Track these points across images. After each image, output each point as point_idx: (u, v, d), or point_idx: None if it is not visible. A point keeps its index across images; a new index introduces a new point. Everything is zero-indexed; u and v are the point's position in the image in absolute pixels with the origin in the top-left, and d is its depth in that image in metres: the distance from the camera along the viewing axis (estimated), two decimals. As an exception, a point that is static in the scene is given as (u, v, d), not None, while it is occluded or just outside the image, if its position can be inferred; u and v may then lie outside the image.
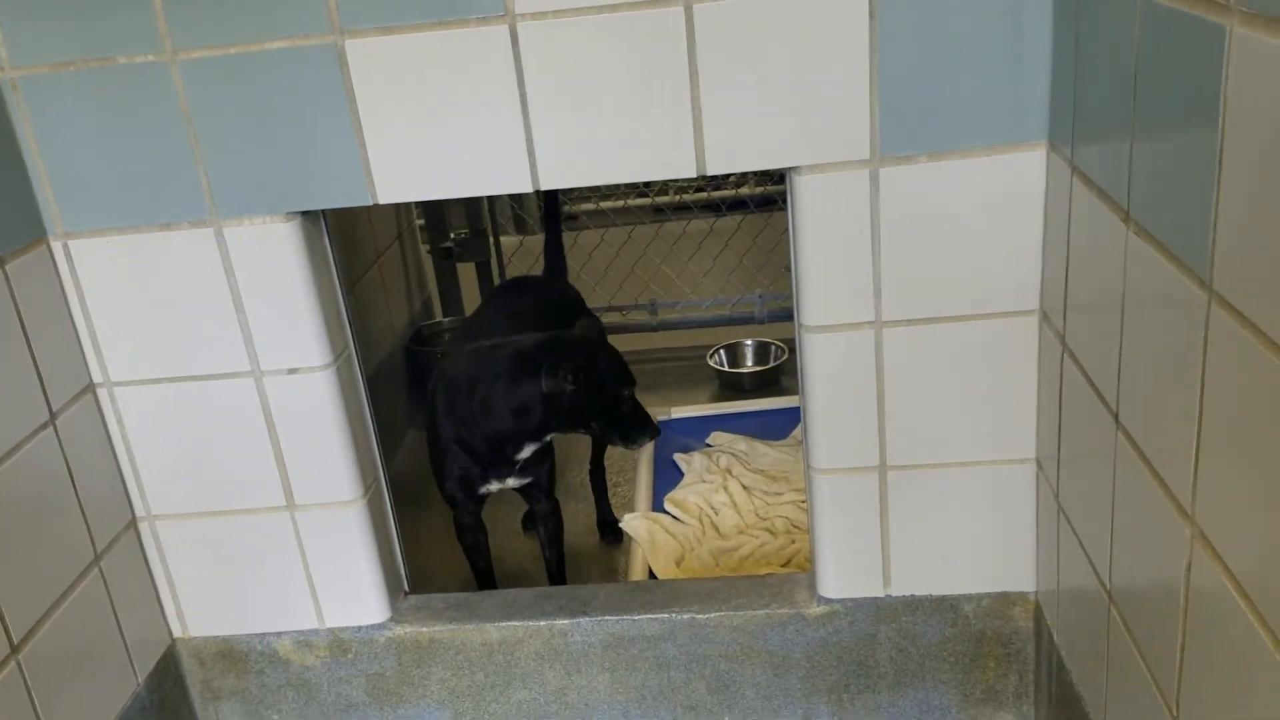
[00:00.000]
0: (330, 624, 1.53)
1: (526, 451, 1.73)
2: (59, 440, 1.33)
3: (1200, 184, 0.80)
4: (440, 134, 1.25)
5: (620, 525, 2.14)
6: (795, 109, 1.21)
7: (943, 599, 1.45)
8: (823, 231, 1.27)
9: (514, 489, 1.82)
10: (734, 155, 1.24)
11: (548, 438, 1.74)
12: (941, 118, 1.20)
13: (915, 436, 1.35)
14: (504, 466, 1.75)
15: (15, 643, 1.22)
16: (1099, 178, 1.04)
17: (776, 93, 1.20)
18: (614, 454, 2.29)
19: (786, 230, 1.35)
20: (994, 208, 1.23)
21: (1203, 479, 0.84)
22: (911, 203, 1.24)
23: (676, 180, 3.90)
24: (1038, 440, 1.33)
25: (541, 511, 1.87)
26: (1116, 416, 1.03)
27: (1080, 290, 1.13)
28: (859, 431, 1.36)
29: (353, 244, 2.40)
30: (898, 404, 1.34)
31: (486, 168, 1.26)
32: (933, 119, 1.20)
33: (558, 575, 1.89)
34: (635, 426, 1.75)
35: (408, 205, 2.81)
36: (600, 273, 2.93)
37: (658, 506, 2.19)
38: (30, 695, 1.24)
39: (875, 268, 1.27)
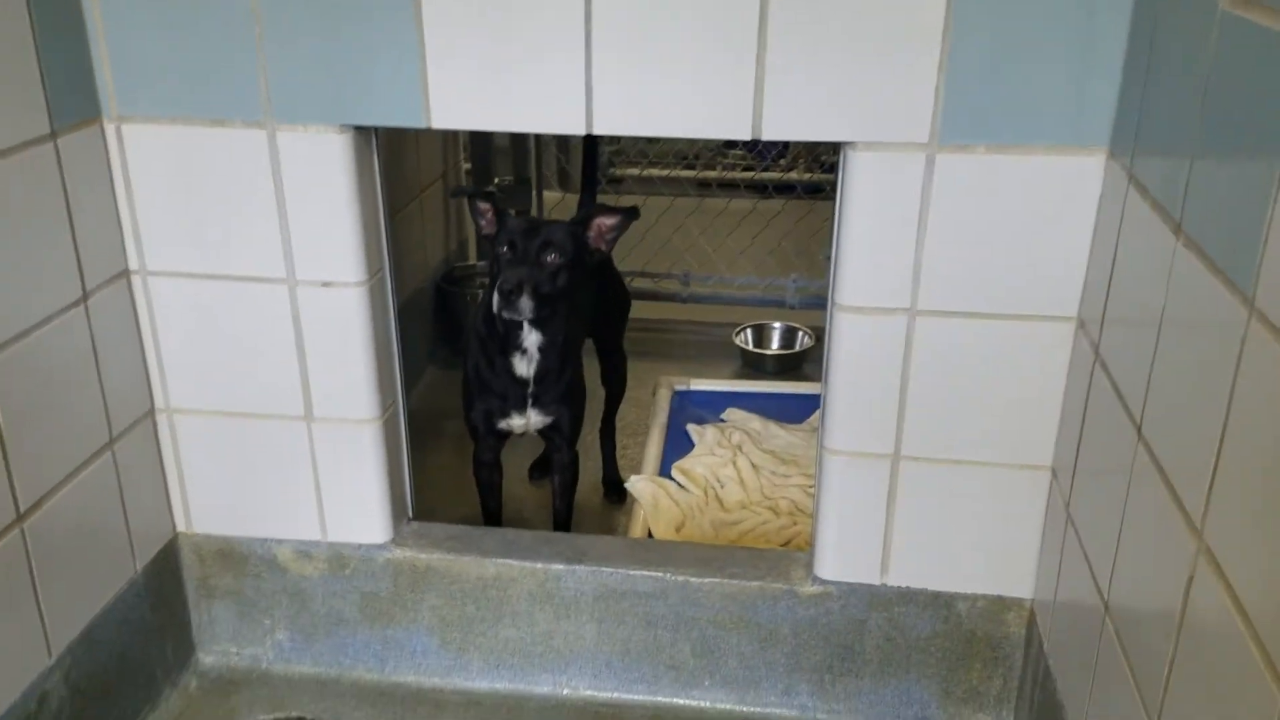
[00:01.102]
0: (332, 538, 1.55)
1: (525, 363, 1.72)
2: (89, 321, 1.34)
3: (1256, 201, 0.79)
4: (501, 64, 1.25)
5: (625, 486, 2.15)
6: (860, 83, 1.20)
7: (938, 595, 1.45)
8: (870, 211, 1.26)
9: (537, 431, 1.82)
10: (791, 123, 1.23)
11: (537, 340, 1.71)
12: (1006, 111, 1.19)
13: (934, 429, 1.35)
14: (517, 390, 1.75)
15: (21, 511, 1.24)
16: (1155, 188, 1.03)
17: (843, 65, 1.20)
18: (626, 416, 2.30)
19: (830, 219, 1.35)
20: (1046, 209, 1.23)
21: (1217, 496, 0.84)
22: (964, 193, 1.23)
23: (726, 156, 3.90)
24: (1056, 448, 1.33)
25: (559, 461, 1.88)
26: (1139, 429, 1.02)
27: (1121, 300, 1.12)
28: (878, 417, 1.36)
29: (398, 174, 2.41)
30: (921, 395, 1.34)
31: (542, 104, 1.26)
32: (996, 111, 1.19)
33: (564, 526, 1.91)
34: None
35: (455, 145, 2.82)
36: (638, 238, 2.93)
37: (665, 473, 2.20)
38: (30, 566, 1.26)
39: (918, 254, 1.27)
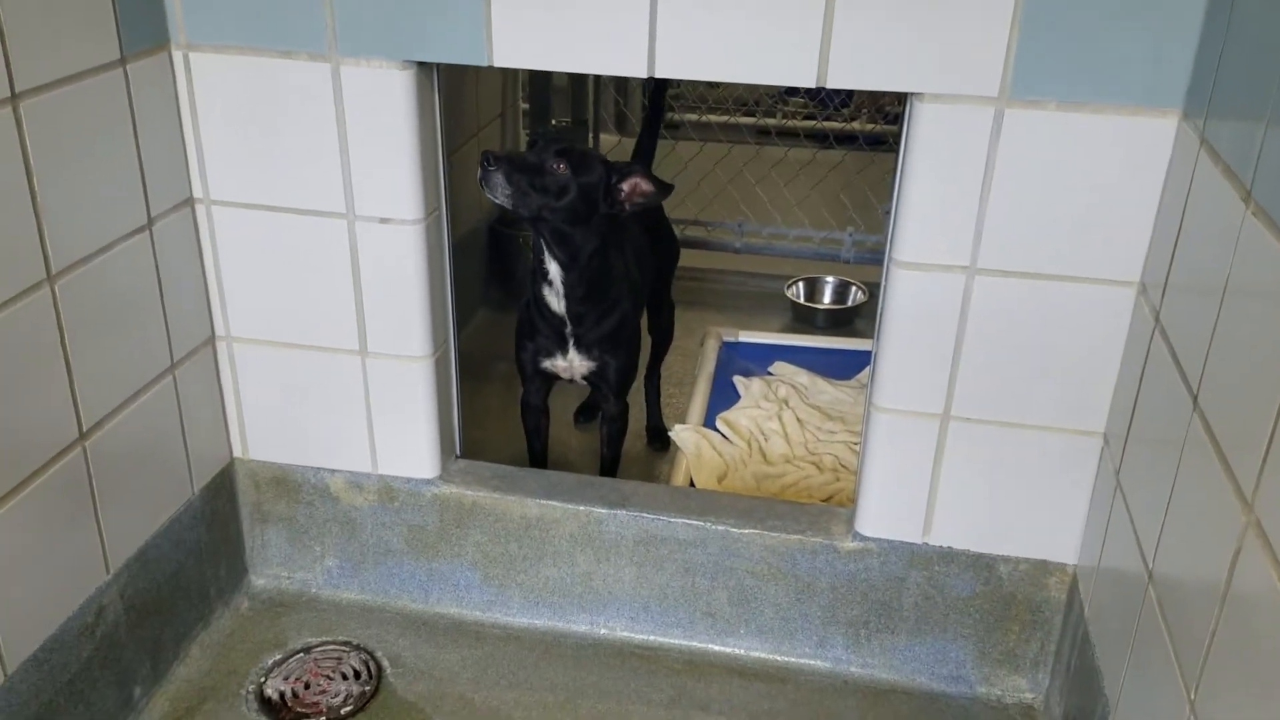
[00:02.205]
0: (382, 471, 1.58)
1: (554, 298, 1.70)
2: (153, 246, 1.37)
3: (1337, 169, 0.77)
4: (564, 3, 1.24)
5: (669, 434, 2.16)
6: (931, 33, 1.18)
7: (980, 556, 1.45)
8: (934, 165, 1.24)
9: (583, 379, 1.82)
10: (858, 71, 1.21)
11: (557, 271, 1.68)
12: (1079, 69, 1.16)
13: (986, 391, 1.34)
14: (556, 327, 1.74)
15: (84, 430, 1.28)
16: (1227, 153, 1.01)
17: (915, 12, 1.17)
18: (672, 366, 2.31)
19: (891, 172, 1.33)
20: (1115, 170, 1.20)
21: (1270, 470, 0.83)
22: (1032, 150, 1.21)
23: (787, 104, 3.85)
24: (1110, 415, 1.31)
25: (608, 411, 1.88)
26: (1196, 399, 1.01)
27: (1185, 267, 1.10)
28: (929, 376, 1.35)
29: (457, 113, 2.41)
30: (975, 355, 1.32)
31: (605, 45, 1.25)
32: (1069, 68, 1.16)
33: (610, 475, 1.92)
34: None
35: (514, 84, 2.81)
36: (692, 185, 2.91)
37: (709, 423, 2.20)
38: (91, 483, 1.30)
39: (980, 211, 1.25)
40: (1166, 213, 1.18)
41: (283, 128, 1.37)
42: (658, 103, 2.15)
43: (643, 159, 2.11)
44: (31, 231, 1.16)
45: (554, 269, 1.69)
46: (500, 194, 1.59)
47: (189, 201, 1.43)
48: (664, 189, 1.68)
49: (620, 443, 1.91)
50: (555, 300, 1.72)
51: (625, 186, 1.66)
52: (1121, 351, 1.28)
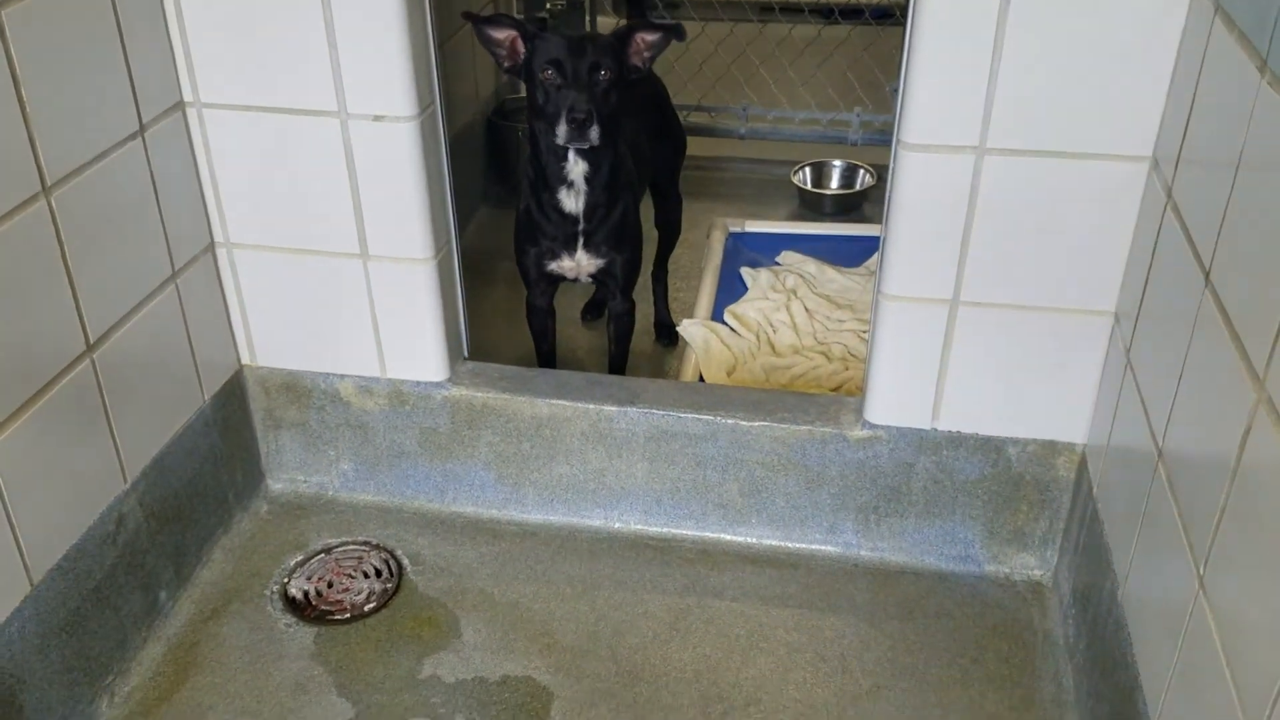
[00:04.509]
0: (391, 375, 1.58)
1: (572, 198, 1.68)
2: (147, 153, 1.35)
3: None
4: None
5: (677, 329, 2.16)
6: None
7: (988, 439, 1.45)
8: (942, 39, 1.20)
9: (590, 278, 1.80)
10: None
11: (583, 170, 1.65)
12: (1088, -65, 1.11)
13: (996, 274, 1.33)
14: (567, 228, 1.71)
15: (90, 342, 1.28)
16: (1242, 21, 0.97)
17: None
18: (679, 259, 2.29)
19: (899, 46, 1.29)
20: (1126, 38, 1.16)
21: (1285, 345, 0.82)
22: (1043, 19, 1.17)
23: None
24: (1120, 294, 1.30)
25: (614, 309, 1.87)
26: (1208, 275, 0.99)
27: (1198, 140, 1.08)
28: (938, 261, 1.33)
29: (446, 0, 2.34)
30: (985, 238, 1.31)
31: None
32: (1078, -65, 1.12)
33: (618, 371, 1.92)
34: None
35: (507, -29, 2.72)
36: (694, 68, 2.83)
37: (717, 317, 2.20)
38: (102, 394, 1.31)
39: (990, 87, 1.21)
40: (1179, 85, 1.15)
41: (269, 24, 1.34)
42: None
43: None
44: (24, 143, 1.14)
45: (580, 168, 1.65)
46: (595, 139, 1.57)
47: (179, 105, 1.40)
48: (669, 30, 1.62)
49: (628, 340, 1.91)
50: (573, 200, 1.68)
51: (630, 48, 1.61)
52: (1133, 229, 1.26)
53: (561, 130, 1.56)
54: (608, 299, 1.88)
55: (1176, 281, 1.09)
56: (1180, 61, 1.15)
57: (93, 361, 1.29)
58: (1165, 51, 1.16)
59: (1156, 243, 1.18)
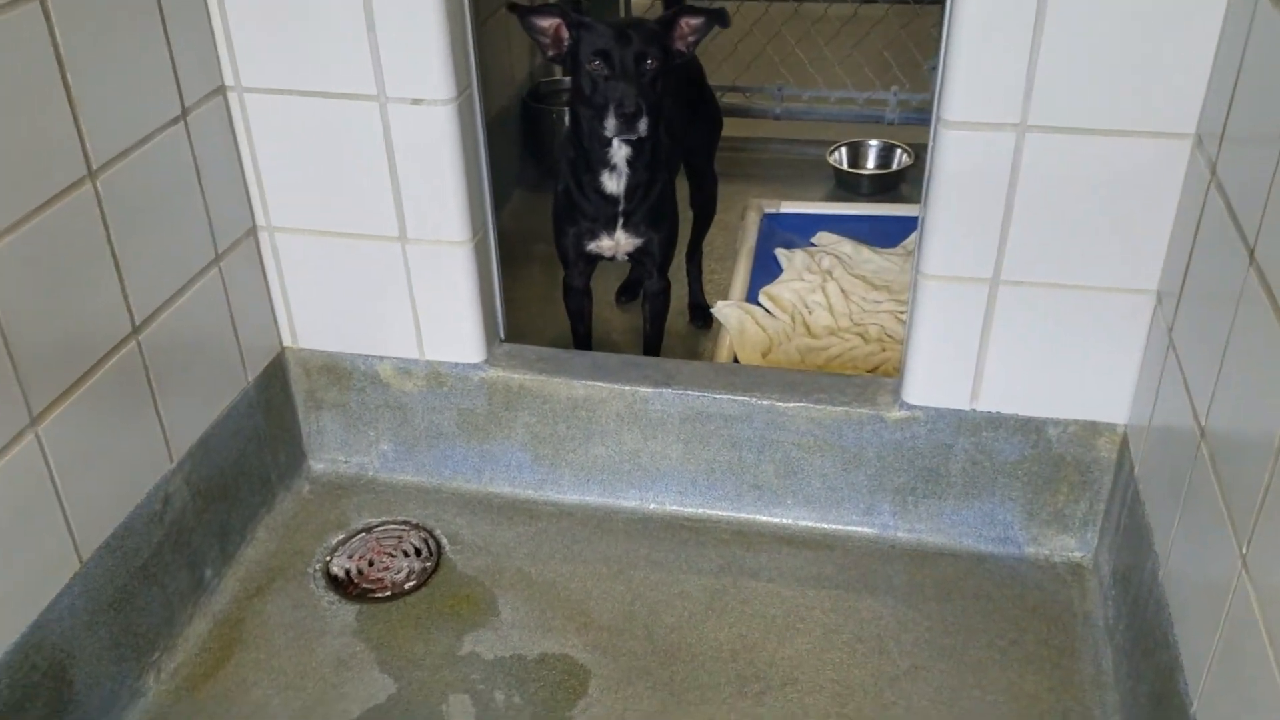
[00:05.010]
0: (429, 356, 1.59)
1: (614, 179, 1.69)
2: (189, 137, 1.36)
3: None
4: None
5: (711, 311, 2.16)
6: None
7: (1028, 420, 1.44)
8: (983, 14, 1.19)
9: (627, 256, 1.81)
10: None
11: (626, 154, 1.67)
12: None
13: (1037, 253, 1.31)
14: (608, 209, 1.72)
15: (136, 324, 1.30)
16: (1294, -7, 0.96)
17: None
18: (713, 240, 2.28)
19: (938, 24, 1.28)
20: (1171, 13, 1.14)
21: (1334, 323, 0.81)
22: (1082, -2, 1.16)
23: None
24: (1163, 272, 1.29)
25: (650, 288, 1.88)
26: (1252, 253, 0.98)
27: (1243, 116, 1.06)
28: (978, 240, 1.32)
29: (484, -13, 2.34)
30: (1026, 216, 1.29)
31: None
32: (1122, -93, 1.10)
33: (654, 353, 1.93)
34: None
35: (542, -45, 2.72)
36: (729, 48, 2.81)
37: (752, 298, 2.19)
38: (148, 375, 1.33)
39: (1031, 64, 1.20)
40: (1223, 61, 1.13)
41: (309, 8, 1.35)
42: None
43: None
44: (70, 127, 1.16)
45: (623, 153, 1.67)
46: (644, 131, 1.58)
47: (220, 90, 1.42)
48: (713, 15, 1.63)
49: (664, 319, 1.91)
50: (615, 182, 1.70)
51: (674, 33, 1.62)
52: (1175, 207, 1.25)
53: (610, 124, 1.58)
54: (644, 277, 1.89)
55: (1220, 260, 1.08)
56: (1224, 37, 1.14)
57: (139, 343, 1.31)
58: (1209, 27, 1.14)
59: (1199, 221, 1.16)
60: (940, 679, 1.36)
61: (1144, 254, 1.29)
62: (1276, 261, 0.93)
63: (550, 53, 1.64)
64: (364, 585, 1.52)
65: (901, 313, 2.08)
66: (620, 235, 1.76)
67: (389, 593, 1.51)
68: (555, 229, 1.80)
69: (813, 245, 2.37)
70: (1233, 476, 0.99)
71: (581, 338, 1.92)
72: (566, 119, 1.72)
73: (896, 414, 1.49)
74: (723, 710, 1.33)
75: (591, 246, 1.78)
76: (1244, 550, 0.94)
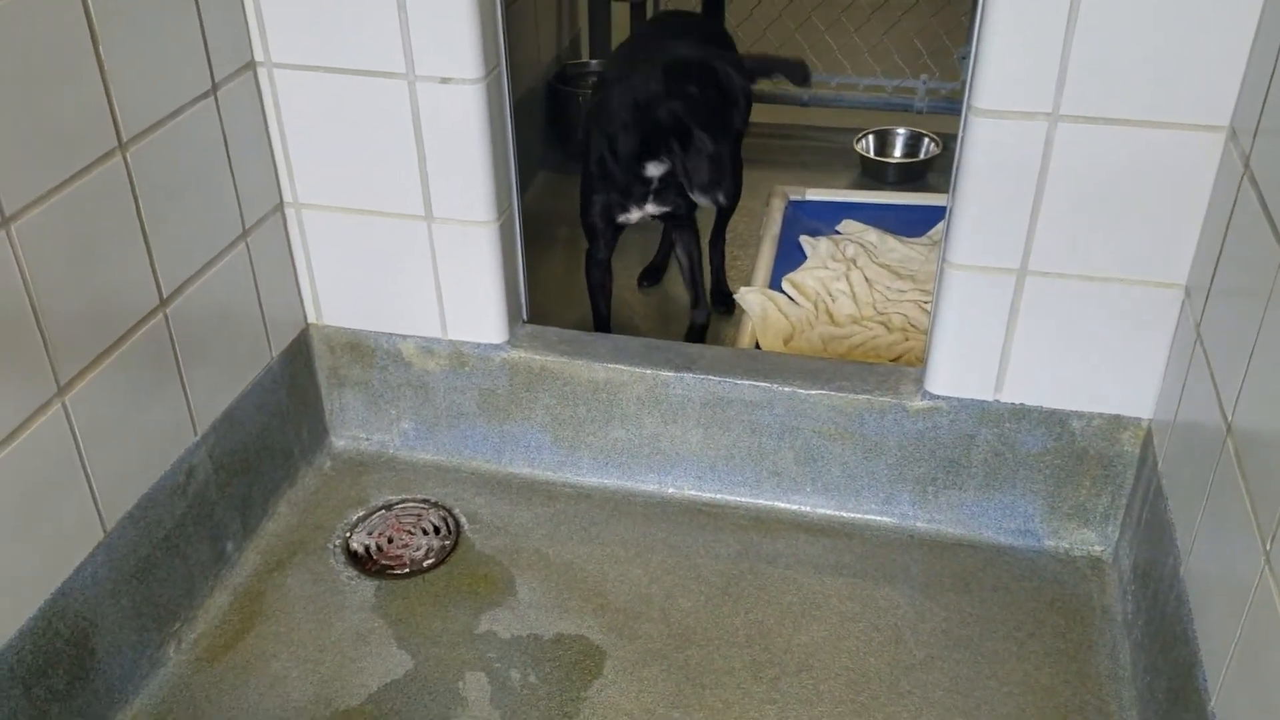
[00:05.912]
0: (452, 336, 1.60)
1: (654, 169, 1.72)
2: (219, 112, 1.37)
3: None
4: None
5: (734, 297, 2.15)
6: None
7: (1052, 412, 1.43)
8: (1018, 2, 1.18)
9: (653, 216, 1.85)
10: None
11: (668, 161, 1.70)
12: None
13: (1065, 244, 1.30)
14: (638, 186, 1.76)
15: (164, 297, 1.31)
16: (1337, -16, 0.94)
17: None
18: (737, 226, 2.28)
19: (969, 11, 1.27)
20: (1208, 5, 1.13)
21: (1368, 319, 0.80)
22: (1117, -13, 1.14)
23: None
24: (1192, 266, 1.27)
25: (683, 238, 1.93)
26: (1287, 248, 0.97)
27: (1279, 110, 1.05)
28: (1007, 230, 1.32)
29: (513, -32, 2.34)
30: (1055, 207, 1.28)
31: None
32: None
33: (697, 284, 1.99)
34: (708, 177, 1.63)
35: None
36: (759, 33, 2.80)
37: (775, 285, 2.19)
38: (174, 348, 1.34)
39: (1065, 51, 1.19)
40: (1260, 54, 1.12)
41: (339, -13, 1.35)
42: None
43: (712, 12, 2.06)
44: (101, 99, 1.17)
45: (658, 169, 1.72)
46: (723, 201, 1.68)
47: (250, 65, 1.42)
48: (794, 71, 1.77)
49: (698, 248, 1.96)
50: (656, 168, 1.73)
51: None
52: (1207, 200, 1.24)
53: (699, 196, 1.66)
54: (675, 230, 1.94)
55: (1252, 255, 1.07)
56: (1261, 30, 1.12)
57: (165, 316, 1.32)
58: (1246, 19, 1.13)
59: (1231, 215, 1.15)
60: (956, 669, 1.36)
61: (1174, 247, 1.28)
62: (1310, 257, 0.92)
63: None
64: (383, 562, 1.53)
65: (925, 302, 2.07)
66: (650, 206, 1.81)
67: (408, 570, 1.52)
68: (583, 200, 1.83)
69: (837, 233, 2.36)
70: (1259, 473, 0.98)
71: (603, 317, 1.93)
72: (608, 99, 1.73)
73: (919, 404, 1.48)
74: (737, 695, 1.34)
75: (621, 218, 1.83)
76: (1268, 547, 0.93)
